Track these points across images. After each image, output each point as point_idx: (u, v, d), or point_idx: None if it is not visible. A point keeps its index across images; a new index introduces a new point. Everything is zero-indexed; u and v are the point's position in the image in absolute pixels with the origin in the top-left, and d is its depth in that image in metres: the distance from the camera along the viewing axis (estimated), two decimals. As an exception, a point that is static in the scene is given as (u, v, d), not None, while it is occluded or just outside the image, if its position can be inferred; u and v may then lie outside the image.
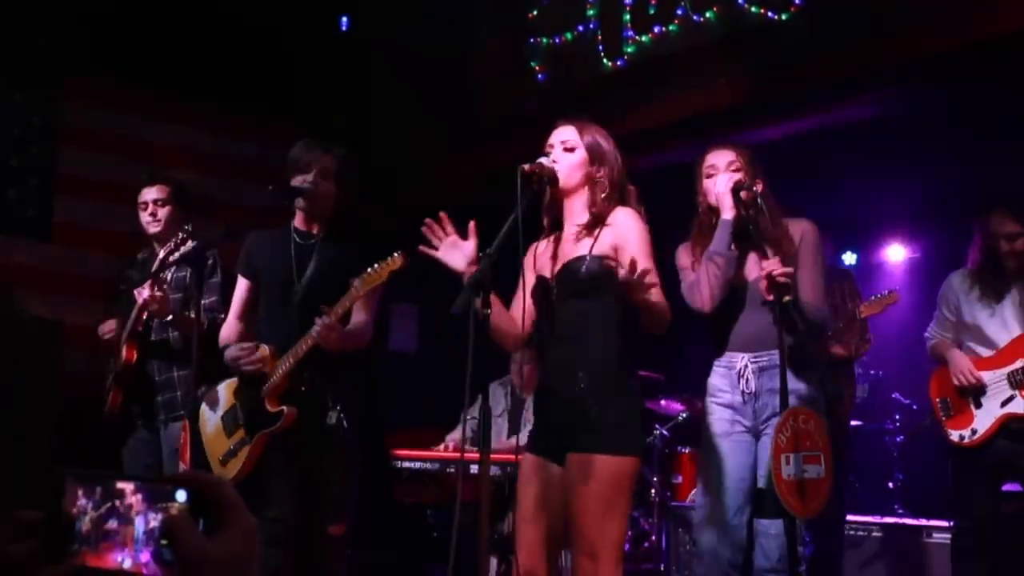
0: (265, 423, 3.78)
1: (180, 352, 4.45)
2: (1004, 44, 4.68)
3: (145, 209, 4.61)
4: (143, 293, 4.29)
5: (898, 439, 6.40)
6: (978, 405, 4.38)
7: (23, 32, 6.11)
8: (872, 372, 6.41)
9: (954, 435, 4.44)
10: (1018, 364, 4.29)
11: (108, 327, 4.61)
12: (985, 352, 4.41)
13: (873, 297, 4.73)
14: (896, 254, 7.50)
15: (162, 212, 4.59)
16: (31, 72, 6.23)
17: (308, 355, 3.68)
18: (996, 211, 4.39)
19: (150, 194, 4.61)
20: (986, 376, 4.35)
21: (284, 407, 3.74)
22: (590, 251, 3.11)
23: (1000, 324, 4.36)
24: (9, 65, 6.14)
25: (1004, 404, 4.30)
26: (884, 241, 7.56)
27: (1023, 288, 4.37)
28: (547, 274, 3.24)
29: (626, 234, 3.12)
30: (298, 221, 3.99)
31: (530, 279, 3.23)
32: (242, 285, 4.04)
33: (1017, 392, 4.27)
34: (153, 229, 4.60)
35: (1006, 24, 4.61)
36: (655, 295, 3.04)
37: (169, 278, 4.51)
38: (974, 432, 4.37)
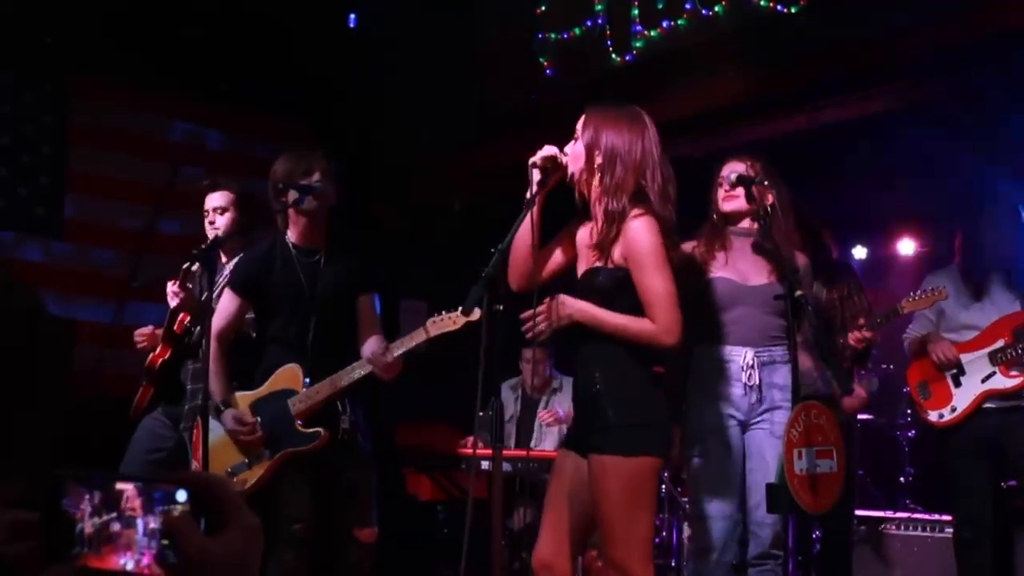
0: (294, 442, 3.76)
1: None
2: (1017, 38, 4.65)
3: (206, 216, 4.48)
4: (171, 289, 4.25)
5: (909, 434, 6.37)
6: (957, 384, 4.51)
7: (32, 31, 6.13)
8: (884, 366, 6.38)
9: (932, 415, 4.58)
10: (999, 344, 4.42)
11: (143, 333, 4.46)
12: (965, 338, 4.53)
13: (921, 293, 4.58)
14: (906, 248, 7.47)
15: (221, 219, 4.43)
16: (40, 71, 6.25)
17: (355, 383, 3.73)
18: (986, 209, 4.57)
19: (212, 201, 4.47)
20: (965, 357, 4.48)
21: (319, 429, 3.74)
22: (605, 263, 3.06)
23: (980, 314, 4.51)
24: (18, 64, 6.15)
25: (984, 380, 4.43)
26: (894, 235, 7.53)
27: (1002, 282, 4.51)
28: (576, 271, 3.22)
29: (630, 254, 3.01)
30: (294, 235, 3.91)
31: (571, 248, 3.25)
32: (232, 303, 3.95)
33: (997, 368, 4.40)
34: (212, 234, 4.41)
35: (1020, 18, 4.58)
36: (650, 329, 2.99)
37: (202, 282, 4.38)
38: (954, 410, 4.49)
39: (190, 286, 4.29)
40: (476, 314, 3.52)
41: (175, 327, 4.38)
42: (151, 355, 4.41)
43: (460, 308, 3.54)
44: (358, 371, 3.73)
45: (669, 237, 3.05)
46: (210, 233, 4.40)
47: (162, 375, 4.40)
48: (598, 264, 3.08)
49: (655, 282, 2.97)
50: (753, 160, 3.76)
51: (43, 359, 0.89)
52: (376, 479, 3.95)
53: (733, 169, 3.74)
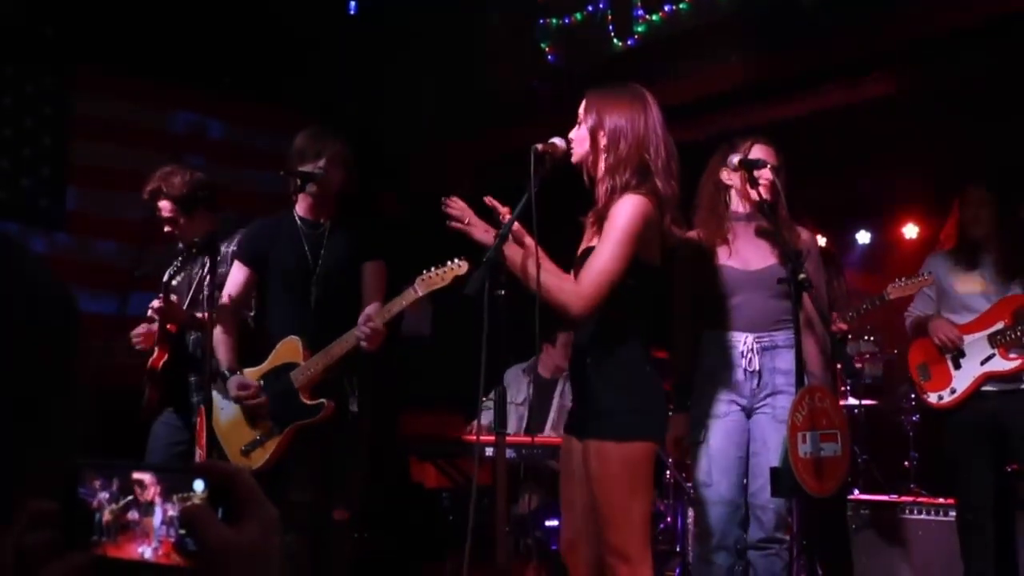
0: (300, 415, 3.77)
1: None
2: (1019, 22, 4.64)
3: (167, 233, 4.37)
4: (154, 305, 4.11)
5: (913, 418, 6.38)
6: (957, 366, 4.53)
7: (32, 22, 6.11)
8: (889, 351, 6.38)
9: (932, 396, 4.61)
10: (999, 326, 4.45)
11: (139, 333, 4.29)
12: (964, 319, 4.54)
13: (907, 280, 4.60)
14: (910, 232, 7.46)
15: (180, 228, 4.31)
16: (41, 62, 6.24)
17: (347, 354, 3.70)
18: (969, 184, 4.59)
19: (163, 215, 4.32)
20: (965, 339, 4.50)
21: (323, 400, 3.75)
22: (595, 242, 3.05)
23: (978, 294, 4.53)
24: (19, 56, 6.14)
25: (984, 363, 4.46)
26: (899, 219, 7.52)
27: (997, 258, 4.52)
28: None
29: (606, 223, 2.97)
30: (301, 209, 3.96)
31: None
32: (240, 273, 3.99)
33: (996, 351, 4.43)
34: (186, 241, 4.33)
35: (1021, 3, 4.57)
36: (568, 289, 2.94)
37: (178, 280, 4.28)
38: (953, 391, 4.52)
39: (174, 298, 4.16)
40: (464, 268, 3.51)
41: (168, 327, 4.26)
42: (151, 359, 4.28)
43: (464, 287, 3.52)
44: (349, 340, 3.69)
45: (670, 213, 3.01)
46: (183, 243, 4.32)
47: (164, 378, 4.28)
48: (592, 243, 3.06)
49: (603, 253, 2.92)
50: (768, 145, 3.76)
51: (80, 350, 0.89)
52: (364, 458, 3.97)
53: (770, 155, 3.73)
